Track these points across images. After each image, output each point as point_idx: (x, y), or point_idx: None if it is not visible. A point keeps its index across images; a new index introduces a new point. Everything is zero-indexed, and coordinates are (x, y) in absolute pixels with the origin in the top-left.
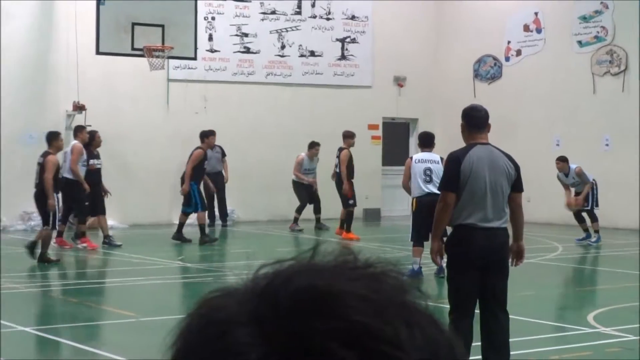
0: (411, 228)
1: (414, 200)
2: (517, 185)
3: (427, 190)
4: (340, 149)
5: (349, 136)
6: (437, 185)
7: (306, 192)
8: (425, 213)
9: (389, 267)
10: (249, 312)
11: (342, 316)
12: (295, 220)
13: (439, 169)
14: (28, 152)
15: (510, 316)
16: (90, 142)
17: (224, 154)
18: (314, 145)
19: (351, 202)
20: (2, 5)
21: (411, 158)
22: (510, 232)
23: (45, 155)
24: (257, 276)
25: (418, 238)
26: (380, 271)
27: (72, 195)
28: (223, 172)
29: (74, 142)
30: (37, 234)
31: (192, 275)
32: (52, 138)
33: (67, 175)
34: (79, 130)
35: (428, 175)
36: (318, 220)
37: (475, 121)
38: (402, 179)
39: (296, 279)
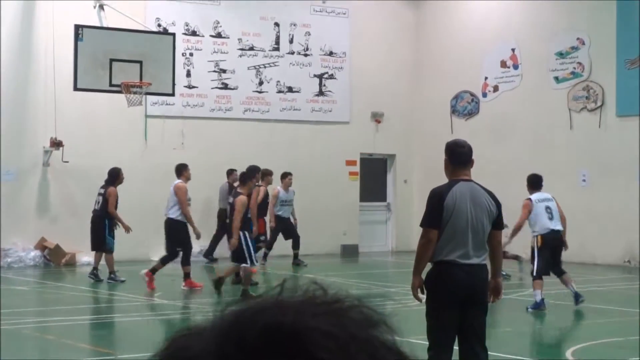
0: (536, 263)
1: (539, 237)
2: (497, 223)
3: (551, 227)
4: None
5: (267, 174)
6: (557, 222)
7: (284, 227)
8: (550, 248)
9: (355, 302)
10: (214, 351)
11: (307, 354)
12: (265, 256)
13: (555, 206)
14: (4, 189)
15: (489, 352)
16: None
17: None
18: (286, 176)
19: (262, 238)
20: None
21: (530, 199)
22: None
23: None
24: (224, 314)
25: (546, 271)
26: (346, 306)
27: (179, 236)
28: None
29: (178, 181)
30: (227, 270)
31: (171, 312)
32: (183, 169)
33: (173, 215)
34: (183, 168)
35: (549, 213)
36: (296, 256)
37: (459, 157)
38: (518, 219)
39: (262, 316)
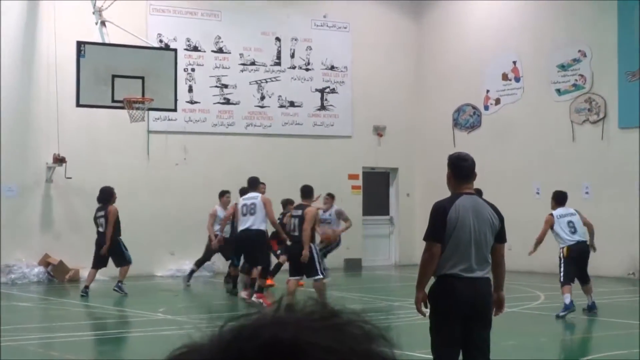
0: (563, 271)
1: (566, 248)
2: (500, 236)
3: (575, 239)
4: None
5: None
6: (581, 234)
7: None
8: (575, 257)
9: (354, 317)
10: None
11: None
12: (192, 272)
13: (578, 220)
14: (7, 205)
15: None
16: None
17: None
18: (223, 194)
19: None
20: None
21: (552, 215)
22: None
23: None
24: (223, 331)
25: (572, 278)
26: (344, 321)
27: (264, 247)
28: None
29: (260, 195)
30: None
31: (174, 327)
32: (259, 182)
33: (260, 227)
34: (259, 181)
35: (572, 227)
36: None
37: (462, 171)
38: (539, 232)
39: (261, 332)
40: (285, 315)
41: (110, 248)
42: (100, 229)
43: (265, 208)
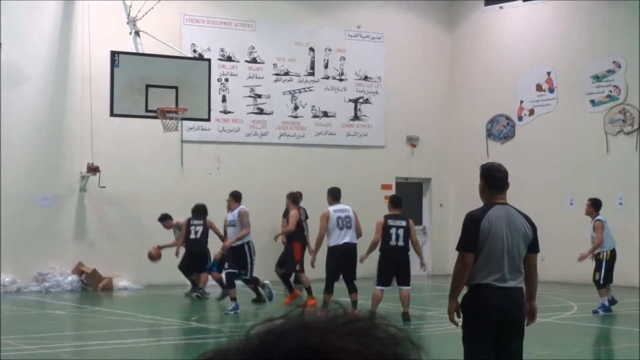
0: (603, 273)
1: (609, 251)
2: (533, 246)
3: (614, 243)
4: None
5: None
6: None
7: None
8: (613, 261)
9: (379, 321)
10: None
11: None
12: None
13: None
14: (42, 214)
15: None
16: None
17: (306, 216)
18: (165, 218)
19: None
20: (18, 67)
21: (601, 220)
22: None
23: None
24: (250, 336)
25: (610, 281)
26: (370, 325)
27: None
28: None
29: (350, 207)
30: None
31: (207, 336)
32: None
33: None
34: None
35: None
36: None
37: (495, 181)
38: (596, 239)
39: (288, 337)
40: (310, 319)
41: (202, 254)
42: (195, 237)
43: (356, 219)
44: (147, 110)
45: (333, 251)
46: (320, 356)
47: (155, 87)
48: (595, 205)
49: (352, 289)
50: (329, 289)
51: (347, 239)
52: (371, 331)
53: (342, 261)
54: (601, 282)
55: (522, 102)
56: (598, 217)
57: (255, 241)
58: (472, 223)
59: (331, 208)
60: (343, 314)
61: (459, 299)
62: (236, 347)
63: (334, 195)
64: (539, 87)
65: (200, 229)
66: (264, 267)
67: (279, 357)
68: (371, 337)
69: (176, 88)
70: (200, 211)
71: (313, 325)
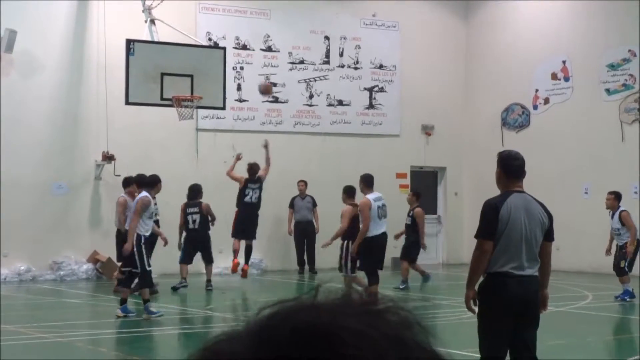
0: (628, 262)
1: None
2: (549, 235)
3: None
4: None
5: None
6: None
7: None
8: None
9: (391, 304)
10: (249, 353)
11: (336, 352)
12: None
13: None
14: (57, 202)
15: None
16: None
17: (314, 204)
18: (129, 184)
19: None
20: (34, 56)
21: (627, 211)
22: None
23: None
24: (258, 318)
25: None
26: (381, 308)
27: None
28: (314, 221)
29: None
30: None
31: (222, 324)
32: (355, 190)
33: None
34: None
35: None
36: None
37: (512, 169)
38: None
39: (295, 317)
40: (321, 301)
41: (205, 243)
42: (193, 226)
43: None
44: (162, 99)
45: (373, 241)
46: (324, 335)
47: (171, 76)
48: (618, 199)
49: (376, 281)
50: (375, 279)
51: (384, 229)
52: (381, 314)
53: (380, 252)
54: (625, 268)
55: (537, 90)
56: (622, 208)
57: (271, 230)
58: (491, 211)
59: (370, 197)
60: (357, 297)
61: (476, 287)
62: (245, 330)
63: (368, 182)
64: (554, 76)
65: (197, 217)
66: (278, 257)
67: (283, 335)
68: (380, 319)
69: (191, 76)
70: (195, 192)
71: (323, 306)
